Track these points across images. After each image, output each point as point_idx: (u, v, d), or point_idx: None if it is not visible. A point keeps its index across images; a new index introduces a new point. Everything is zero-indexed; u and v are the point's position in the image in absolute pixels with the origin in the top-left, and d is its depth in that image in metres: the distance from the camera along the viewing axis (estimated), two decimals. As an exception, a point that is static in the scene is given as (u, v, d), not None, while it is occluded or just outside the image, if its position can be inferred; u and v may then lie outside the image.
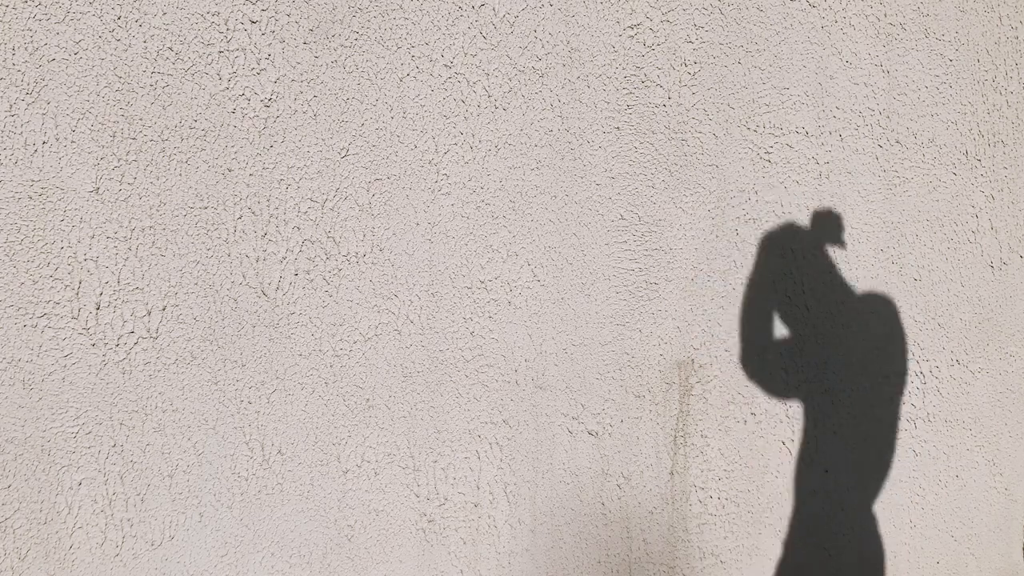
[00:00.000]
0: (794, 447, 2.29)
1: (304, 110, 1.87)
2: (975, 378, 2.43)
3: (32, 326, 1.74)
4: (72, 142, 1.73)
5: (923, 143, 2.32)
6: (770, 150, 2.19)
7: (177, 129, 1.80)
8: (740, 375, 2.23)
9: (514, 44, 2.00)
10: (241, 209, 1.85)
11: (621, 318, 2.13)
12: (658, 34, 2.10)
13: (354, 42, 1.89)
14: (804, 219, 2.24)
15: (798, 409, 2.29)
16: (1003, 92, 2.38)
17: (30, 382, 1.75)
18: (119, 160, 1.77)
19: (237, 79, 1.82)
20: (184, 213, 1.82)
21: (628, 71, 2.08)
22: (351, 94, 1.90)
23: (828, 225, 2.26)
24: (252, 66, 1.83)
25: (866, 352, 2.32)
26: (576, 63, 2.05)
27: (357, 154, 1.92)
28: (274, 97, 1.85)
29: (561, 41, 2.03)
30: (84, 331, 1.77)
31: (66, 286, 1.75)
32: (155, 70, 1.77)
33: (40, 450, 1.77)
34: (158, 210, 1.80)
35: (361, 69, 1.90)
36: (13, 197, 1.71)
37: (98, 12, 1.73)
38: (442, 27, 1.94)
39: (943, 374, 2.39)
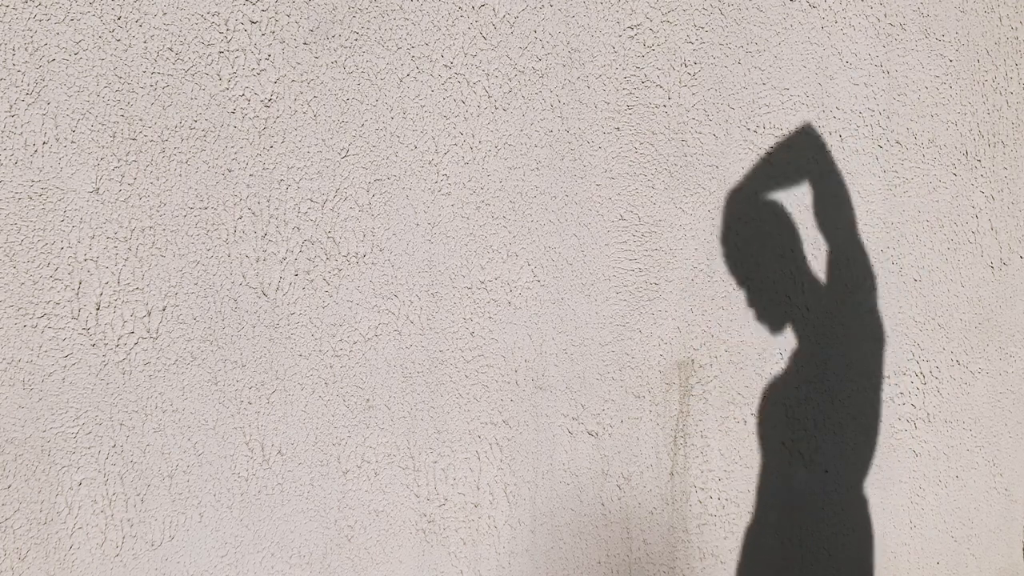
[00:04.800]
0: (794, 447, 2.29)
1: (304, 110, 1.87)
2: (975, 378, 2.43)
3: (32, 326, 1.74)
4: (72, 142, 1.74)
5: (923, 143, 2.32)
6: (770, 151, 2.19)
7: (177, 129, 1.80)
8: (740, 375, 2.23)
9: (514, 44, 2.00)
10: (241, 209, 1.85)
11: (621, 318, 2.13)
12: (658, 34, 2.10)
13: (354, 43, 1.89)
14: (804, 219, 2.24)
15: (798, 409, 2.29)
16: (1003, 92, 2.38)
17: (30, 382, 1.75)
18: (119, 160, 1.77)
19: (237, 79, 1.83)
20: (184, 213, 1.82)
21: (628, 71, 2.08)
22: (351, 94, 1.90)
23: (828, 225, 2.26)
24: (252, 66, 1.83)
25: (866, 352, 2.32)
26: (576, 63, 2.05)
27: (357, 154, 1.92)
28: (274, 97, 1.85)
29: (561, 41, 2.03)
30: (84, 331, 1.77)
31: (66, 286, 1.75)
32: (155, 70, 1.77)
33: (40, 450, 1.77)
34: (158, 210, 1.80)
35: (361, 69, 1.90)
36: (13, 197, 1.71)
37: (98, 12, 1.73)
38: (442, 27, 1.94)
39: (943, 374, 2.39)
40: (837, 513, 2.34)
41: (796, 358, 2.27)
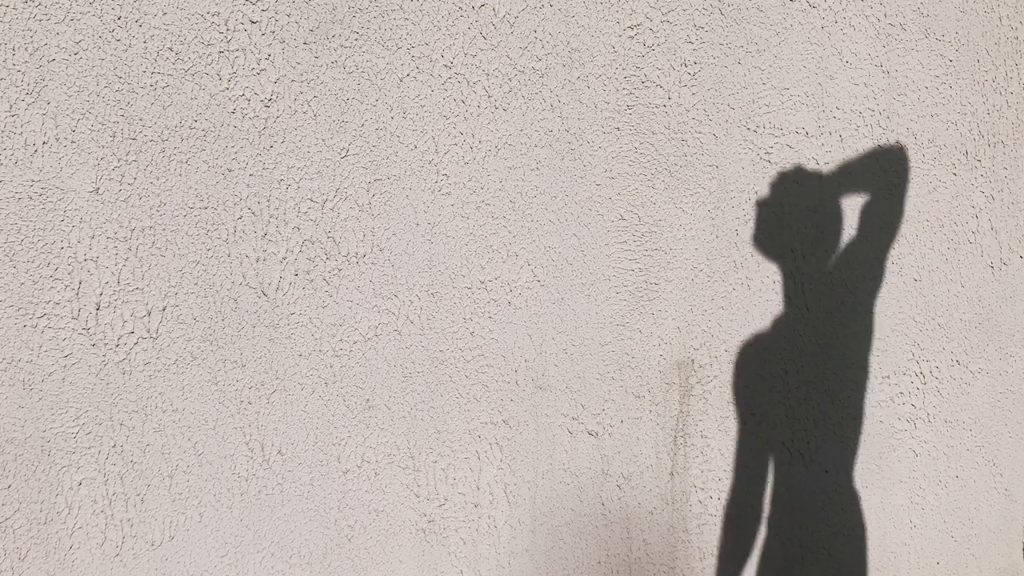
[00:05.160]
0: (794, 447, 2.29)
1: (304, 110, 1.87)
2: (975, 378, 2.43)
3: (32, 326, 1.74)
4: (72, 142, 1.74)
5: (923, 143, 2.32)
6: (770, 150, 2.19)
7: (177, 129, 1.80)
8: (740, 375, 2.23)
9: (514, 44, 2.00)
10: (241, 209, 1.85)
11: (621, 318, 2.13)
12: (658, 34, 2.10)
13: (354, 42, 1.89)
14: (804, 219, 2.24)
15: (798, 409, 2.29)
16: (1003, 92, 2.38)
17: (30, 382, 1.75)
18: (119, 160, 1.77)
19: (237, 79, 1.83)
20: (184, 213, 1.82)
21: (628, 71, 2.08)
22: (351, 94, 1.90)
23: (828, 225, 2.26)
24: (252, 66, 1.83)
25: (866, 352, 2.32)
26: (576, 63, 2.05)
27: (357, 154, 1.92)
28: (274, 97, 1.85)
29: (561, 41, 2.03)
30: (84, 331, 1.77)
31: (66, 286, 1.75)
32: (155, 70, 1.77)
33: (40, 450, 1.77)
34: (158, 210, 1.80)
35: (361, 69, 1.90)
36: (13, 197, 1.71)
37: (98, 12, 1.73)
38: (442, 27, 1.94)
39: (943, 374, 2.39)
40: (837, 513, 2.34)
41: (796, 358, 2.27)
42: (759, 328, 2.23)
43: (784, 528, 2.30)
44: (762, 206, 2.20)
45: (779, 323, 2.25)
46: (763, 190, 2.20)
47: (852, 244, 2.28)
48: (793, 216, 2.23)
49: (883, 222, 2.28)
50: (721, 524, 2.25)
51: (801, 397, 2.28)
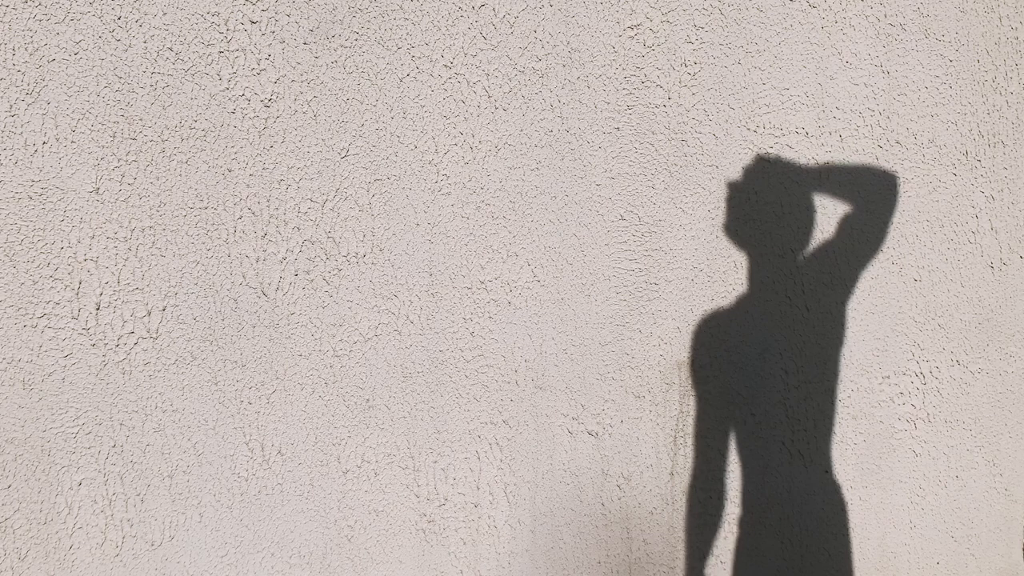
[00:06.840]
0: (794, 447, 2.29)
1: (304, 110, 1.87)
2: (975, 378, 2.43)
3: (32, 326, 1.74)
4: (72, 142, 1.74)
5: (923, 143, 2.31)
6: (770, 151, 2.19)
7: (177, 129, 1.80)
8: (740, 375, 2.23)
9: (514, 44, 2.00)
10: (241, 209, 1.85)
11: (621, 318, 2.13)
12: (658, 34, 2.10)
13: (354, 42, 1.89)
14: (804, 219, 2.24)
15: (798, 409, 2.29)
16: (1003, 92, 2.38)
17: (30, 382, 1.75)
18: (119, 160, 1.77)
19: (237, 79, 1.83)
20: (184, 213, 1.82)
21: (628, 71, 2.08)
22: (351, 94, 1.90)
23: (828, 225, 2.26)
24: (252, 66, 1.83)
25: (866, 352, 2.32)
26: (576, 63, 2.05)
27: (357, 154, 1.92)
28: (274, 97, 1.85)
29: (561, 41, 2.03)
30: (84, 331, 1.77)
31: (66, 286, 1.75)
32: (155, 70, 1.77)
33: (40, 450, 1.77)
34: (158, 210, 1.80)
35: (361, 69, 1.90)
36: (13, 197, 1.71)
37: (98, 12, 1.73)
38: (442, 27, 1.94)
39: (943, 374, 2.39)
40: (839, 513, 2.34)
41: (796, 358, 2.27)
42: (759, 328, 2.23)
43: (784, 528, 2.30)
44: (762, 205, 2.20)
45: (779, 323, 2.25)
46: (762, 189, 2.20)
47: (854, 244, 2.28)
48: (793, 216, 2.23)
49: (881, 223, 2.28)
50: (718, 523, 2.25)
51: (800, 397, 2.28)
